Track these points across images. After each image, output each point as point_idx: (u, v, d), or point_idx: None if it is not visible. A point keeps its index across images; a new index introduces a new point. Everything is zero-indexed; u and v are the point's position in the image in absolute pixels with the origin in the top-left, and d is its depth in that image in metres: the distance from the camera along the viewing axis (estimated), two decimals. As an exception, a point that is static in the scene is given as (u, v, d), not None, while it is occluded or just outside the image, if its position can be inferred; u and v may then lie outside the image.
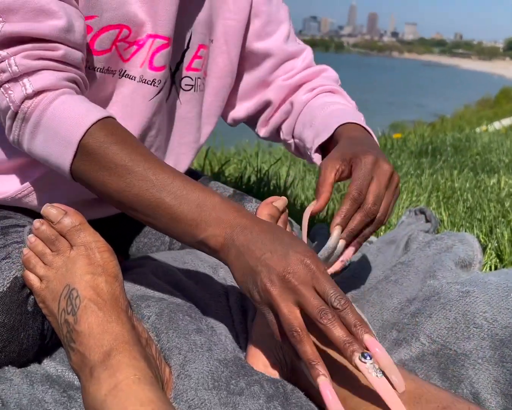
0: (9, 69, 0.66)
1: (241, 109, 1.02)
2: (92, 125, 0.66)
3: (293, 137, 0.99)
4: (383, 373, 0.56)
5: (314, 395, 0.66)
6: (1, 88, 0.67)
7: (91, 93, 0.79)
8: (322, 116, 0.91)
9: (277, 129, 1.02)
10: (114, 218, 0.94)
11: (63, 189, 0.81)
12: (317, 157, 0.89)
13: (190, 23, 0.87)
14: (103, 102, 0.81)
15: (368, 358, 0.56)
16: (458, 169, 2.07)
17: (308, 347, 0.58)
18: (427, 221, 1.22)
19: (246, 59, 0.98)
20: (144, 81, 0.82)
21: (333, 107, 0.92)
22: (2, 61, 0.66)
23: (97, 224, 0.73)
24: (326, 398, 0.56)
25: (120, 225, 0.99)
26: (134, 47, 0.80)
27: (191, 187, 0.65)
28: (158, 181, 0.65)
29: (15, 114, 0.68)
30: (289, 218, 0.97)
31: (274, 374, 0.70)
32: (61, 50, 0.69)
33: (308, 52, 1.02)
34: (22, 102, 0.67)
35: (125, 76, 0.81)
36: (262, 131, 1.04)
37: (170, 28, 0.81)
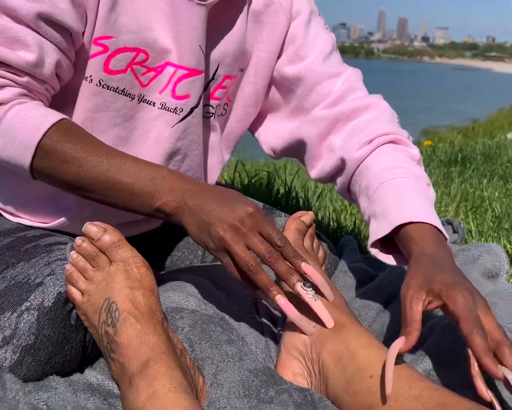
0: None
1: (276, 139, 1.00)
2: (48, 129, 0.73)
3: (349, 193, 0.94)
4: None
5: (340, 404, 0.69)
6: None
7: (109, 115, 0.82)
8: (381, 197, 0.83)
9: (330, 178, 0.97)
10: (149, 234, 0.98)
11: (99, 213, 0.84)
12: (374, 251, 0.84)
13: (218, 56, 0.89)
14: (124, 127, 0.85)
15: (308, 285, 0.72)
16: (488, 177, 2.06)
17: (263, 276, 0.70)
18: (455, 231, 1.24)
19: (279, 86, 0.98)
20: (166, 108, 0.85)
21: (393, 182, 0.83)
22: None
23: (133, 241, 0.78)
24: (286, 309, 0.71)
25: (155, 241, 1.03)
26: (153, 73, 0.82)
27: (142, 164, 0.75)
28: (112, 165, 0.74)
29: None
30: (317, 231, 1.00)
31: (302, 383, 0.73)
32: (25, 78, 0.75)
33: (350, 74, 0.95)
34: None
35: (144, 102, 0.84)
36: (313, 173, 0.98)
37: (194, 60, 0.83)
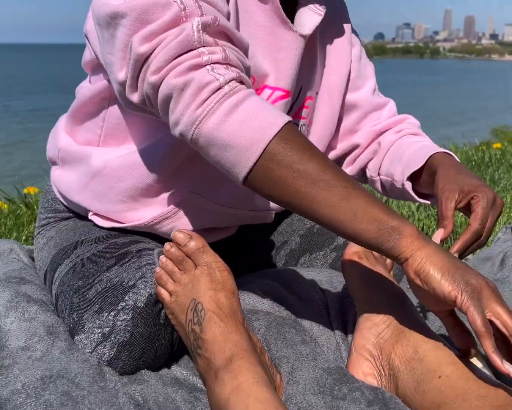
0: (221, 54, 0.71)
1: (329, 153, 1.11)
2: (285, 124, 0.70)
3: (379, 174, 1.07)
4: None
5: (410, 403, 0.72)
6: (208, 66, 0.70)
7: None
8: (411, 151, 0.99)
9: (363, 169, 1.10)
10: (226, 240, 1.05)
11: (188, 218, 0.92)
12: (408, 185, 0.97)
13: (302, 78, 0.97)
14: None
15: None
16: (561, 182, 2.02)
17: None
18: (524, 238, 1.24)
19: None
20: None
21: (421, 143, 1.01)
22: (213, 46, 0.72)
23: (213, 246, 0.84)
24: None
25: (233, 247, 1.10)
26: None
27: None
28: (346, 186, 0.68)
29: (218, 89, 0.70)
30: None
31: (373, 382, 0.77)
32: (248, 62, 0.77)
33: (392, 104, 1.11)
34: (230, 81, 0.70)
35: None
36: (347, 170, 1.11)
37: (290, 83, 0.91)
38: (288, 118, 0.70)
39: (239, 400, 0.63)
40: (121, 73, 0.75)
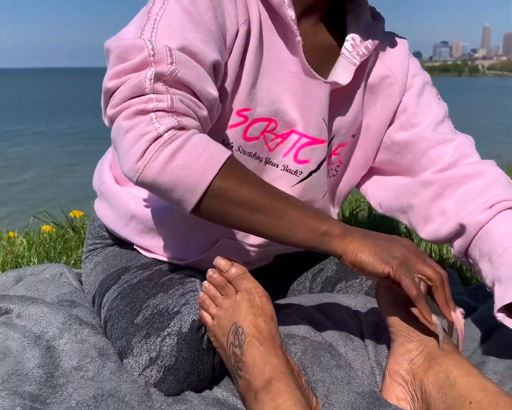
0: (168, 103, 0.75)
1: (386, 196, 1.07)
2: (221, 167, 0.75)
3: (466, 257, 0.98)
4: None
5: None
6: (152, 114, 0.74)
7: None
8: (505, 260, 0.88)
9: (446, 241, 1.00)
10: (265, 268, 1.10)
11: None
12: (500, 317, 0.87)
13: (335, 127, 0.99)
14: None
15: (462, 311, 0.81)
16: None
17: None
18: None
19: (388, 150, 1.05)
20: (287, 170, 0.96)
21: None
22: (162, 94, 0.75)
23: (252, 274, 0.89)
24: (460, 321, 0.80)
25: (270, 274, 1.14)
26: (279, 139, 0.94)
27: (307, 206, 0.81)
28: (280, 201, 0.78)
29: (157, 138, 0.73)
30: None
31: (406, 407, 0.80)
32: (205, 112, 0.80)
33: (463, 140, 1.01)
34: (169, 130, 0.74)
35: (268, 163, 0.96)
36: (423, 233, 1.03)
37: (317, 130, 0.94)
38: (227, 154, 0.77)
39: (277, 421, 0.67)
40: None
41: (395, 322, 0.86)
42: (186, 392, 0.83)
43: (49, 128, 16.56)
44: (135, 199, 1.00)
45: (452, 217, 0.96)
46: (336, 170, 1.05)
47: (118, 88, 0.77)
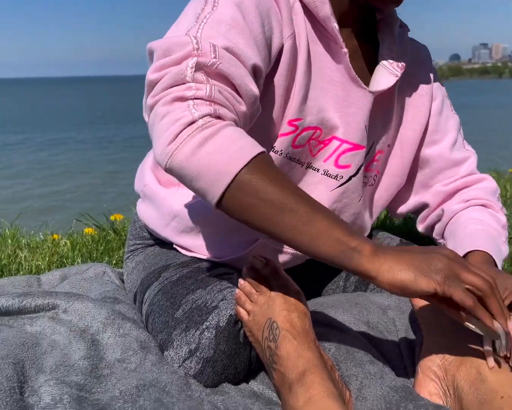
0: (206, 91, 0.76)
1: (403, 206, 1.17)
2: (250, 160, 0.73)
3: (443, 238, 1.12)
4: None
5: (475, 422, 0.76)
6: (189, 101, 0.75)
7: None
8: (461, 235, 1.02)
9: (431, 228, 1.16)
10: (298, 268, 1.12)
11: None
12: None
13: (375, 134, 1.03)
14: None
15: None
16: None
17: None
18: None
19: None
20: (328, 175, 1.00)
21: (473, 227, 1.02)
22: (202, 83, 0.77)
23: (286, 272, 0.92)
24: None
25: (305, 274, 1.17)
26: (321, 145, 0.98)
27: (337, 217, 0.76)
28: (310, 207, 0.73)
29: (191, 123, 0.74)
30: None
31: (438, 402, 0.81)
32: (243, 108, 0.81)
33: (472, 160, 1.13)
34: (204, 116, 0.74)
35: (309, 168, 1.00)
36: (420, 227, 1.18)
37: (359, 137, 0.98)
38: (259, 150, 0.74)
39: (311, 411, 0.70)
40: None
41: (428, 320, 0.87)
42: (224, 384, 0.86)
43: (90, 136, 16.97)
44: (179, 199, 1.05)
45: (440, 209, 1.12)
46: (374, 179, 1.08)
47: (160, 80, 0.78)
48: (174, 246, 1.09)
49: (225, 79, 0.79)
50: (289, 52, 0.89)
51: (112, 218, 2.04)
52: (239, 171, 0.72)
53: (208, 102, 0.76)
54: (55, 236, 1.80)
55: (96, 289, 1.15)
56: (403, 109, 1.07)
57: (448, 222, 1.10)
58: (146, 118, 0.82)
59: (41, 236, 1.81)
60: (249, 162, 0.73)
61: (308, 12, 0.93)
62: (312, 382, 0.73)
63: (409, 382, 0.89)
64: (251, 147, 0.74)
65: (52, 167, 11.19)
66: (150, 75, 0.79)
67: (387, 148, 1.08)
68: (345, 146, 0.99)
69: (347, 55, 0.94)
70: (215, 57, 0.77)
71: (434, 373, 0.83)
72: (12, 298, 1.01)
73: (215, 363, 0.85)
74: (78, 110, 30.08)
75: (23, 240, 1.69)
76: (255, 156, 0.74)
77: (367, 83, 1.00)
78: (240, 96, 0.80)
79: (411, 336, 1.00)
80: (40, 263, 1.46)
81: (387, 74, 0.99)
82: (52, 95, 57.45)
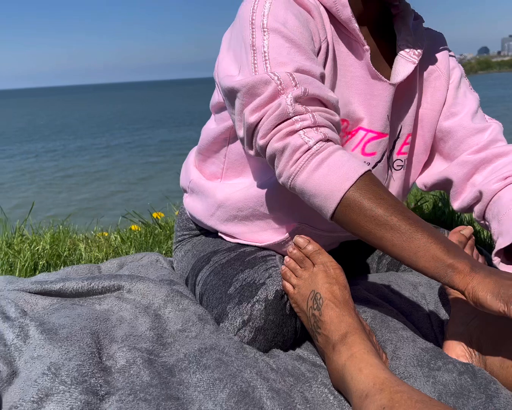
0: (311, 120, 0.89)
1: (427, 178, 1.21)
2: (357, 180, 0.85)
3: (484, 220, 1.12)
4: None
5: (497, 377, 0.86)
6: (300, 131, 0.89)
7: None
8: (505, 219, 1.01)
9: (469, 209, 1.15)
10: (332, 253, 1.22)
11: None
12: (496, 261, 1.00)
13: (401, 118, 1.12)
14: None
15: None
16: None
17: None
18: None
19: (435, 136, 1.19)
20: None
21: None
22: (303, 114, 0.89)
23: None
24: None
25: (338, 257, 1.27)
26: (348, 136, 1.08)
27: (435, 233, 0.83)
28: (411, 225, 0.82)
29: (308, 149, 0.88)
30: (476, 245, 1.17)
31: (465, 361, 0.92)
32: (337, 117, 0.94)
33: (495, 127, 1.14)
34: (318, 142, 0.88)
35: None
36: (455, 205, 1.17)
37: (382, 126, 1.07)
38: (364, 169, 0.86)
39: (353, 364, 0.81)
40: (240, 132, 0.97)
41: (455, 291, 0.98)
42: (274, 349, 0.98)
43: (128, 141, 17.27)
44: (222, 190, 1.16)
45: (476, 187, 1.11)
46: (404, 161, 1.16)
47: (260, 120, 0.91)
48: (219, 234, 1.21)
49: (315, 100, 0.92)
50: (323, 54, 1.00)
51: (154, 215, 2.18)
52: (347, 190, 0.85)
53: (315, 128, 0.89)
54: (105, 233, 1.94)
55: (153, 273, 1.27)
56: (421, 91, 1.15)
57: (488, 203, 1.09)
58: (252, 153, 0.97)
59: (92, 232, 1.95)
60: (356, 181, 0.85)
61: (330, 15, 1.03)
62: (354, 342, 0.84)
63: (439, 346, 0.99)
64: (357, 168, 0.86)
65: (88, 173, 11.49)
66: (250, 118, 0.92)
67: (413, 129, 1.16)
68: (370, 135, 1.08)
69: (369, 52, 1.04)
70: (295, 85, 0.90)
71: (460, 337, 0.94)
72: (82, 281, 1.14)
73: (266, 331, 0.96)
74: (112, 116, 30.56)
75: (81, 235, 1.84)
76: (361, 176, 0.86)
77: (388, 75, 1.09)
78: (328, 108, 0.93)
79: (440, 308, 1.10)
80: (98, 254, 1.60)
81: (404, 62, 1.08)
82: (83, 103, 58.48)
